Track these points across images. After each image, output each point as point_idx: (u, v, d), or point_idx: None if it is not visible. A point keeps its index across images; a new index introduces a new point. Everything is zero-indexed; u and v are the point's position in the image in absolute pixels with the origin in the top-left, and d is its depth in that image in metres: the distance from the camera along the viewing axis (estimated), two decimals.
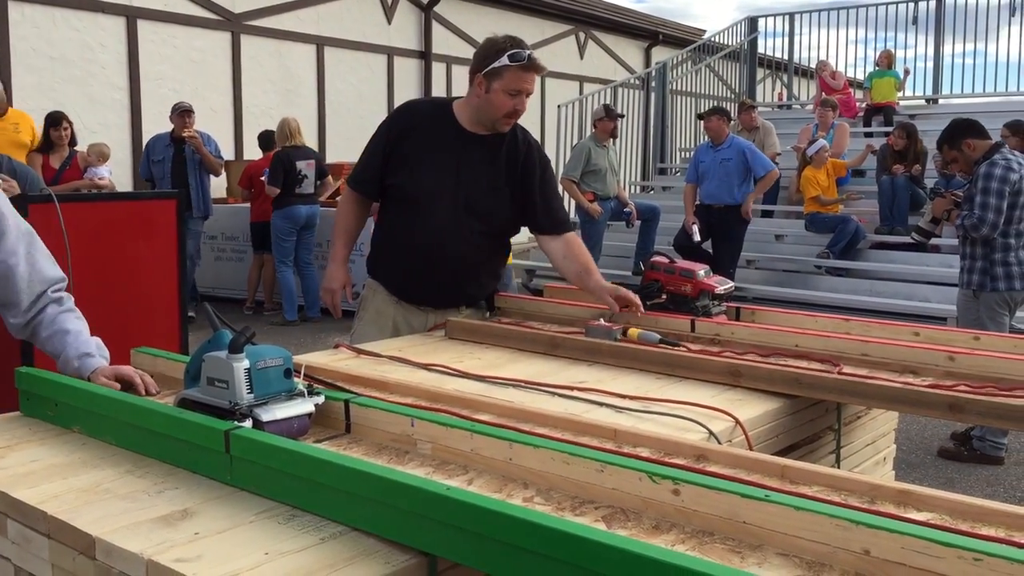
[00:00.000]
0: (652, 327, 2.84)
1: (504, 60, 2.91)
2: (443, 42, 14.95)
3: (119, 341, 2.61)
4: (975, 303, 4.75)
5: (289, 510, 1.52)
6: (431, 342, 2.93)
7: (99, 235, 3.41)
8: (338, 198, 3.64)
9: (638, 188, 13.13)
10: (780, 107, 15.74)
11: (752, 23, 15.26)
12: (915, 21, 13.84)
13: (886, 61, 12.76)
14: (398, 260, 3.13)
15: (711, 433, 2.02)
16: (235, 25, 11.70)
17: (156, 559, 1.32)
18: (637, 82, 14.09)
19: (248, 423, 1.69)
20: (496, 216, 3.08)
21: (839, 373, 2.34)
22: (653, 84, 13.63)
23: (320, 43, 12.72)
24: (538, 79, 3.08)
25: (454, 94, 15.70)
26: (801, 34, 15.23)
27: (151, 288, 3.63)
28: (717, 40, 14.84)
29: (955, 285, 8.33)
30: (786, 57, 15.61)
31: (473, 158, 3.04)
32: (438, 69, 14.91)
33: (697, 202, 8.17)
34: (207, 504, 1.55)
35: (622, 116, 9.61)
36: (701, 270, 2.96)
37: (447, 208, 3.01)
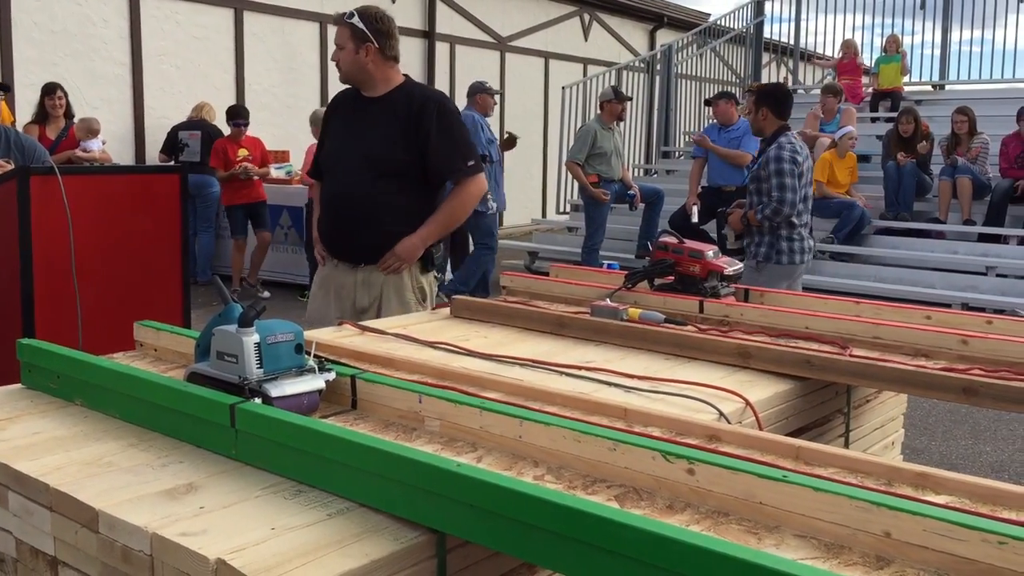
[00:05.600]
0: (660, 308, 2.81)
1: None
2: (447, 22, 14.84)
3: (121, 315, 2.60)
4: (756, 275, 4.88)
5: (295, 485, 1.49)
6: (436, 320, 2.90)
7: (101, 208, 3.38)
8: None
9: (641, 171, 13.07)
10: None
11: (759, 6, 15.14)
12: (923, 6, 13.75)
13: (894, 46, 12.68)
14: (322, 220, 3.51)
15: (721, 414, 1.99)
16: (238, 2, 11.61)
17: (161, 533, 1.29)
18: (642, 65, 14.00)
19: (258, 399, 1.67)
20: (392, 161, 3.31)
21: (850, 355, 2.32)
22: (658, 67, 13.54)
23: (323, 21, 12.60)
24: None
25: (458, 74, 15.61)
26: (808, 19, 15.14)
27: (154, 262, 3.60)
28: (722, 24, 14.73)
29: (961, 272, 8.35)
30: (791, 41, 15.54)
31: (368, 117, 3.39)
32: (442, 49, 14.81)
33: (705, 184, 8.13)
34: (212, 478, 1.52)
35: (630, 99, 9.55)
36: (710, 251, 2.92)
37: (349, 162, 3.36)
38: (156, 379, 1.76)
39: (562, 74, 17.26)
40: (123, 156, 9.98)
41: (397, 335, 2.60)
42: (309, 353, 1.81)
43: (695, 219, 7.73)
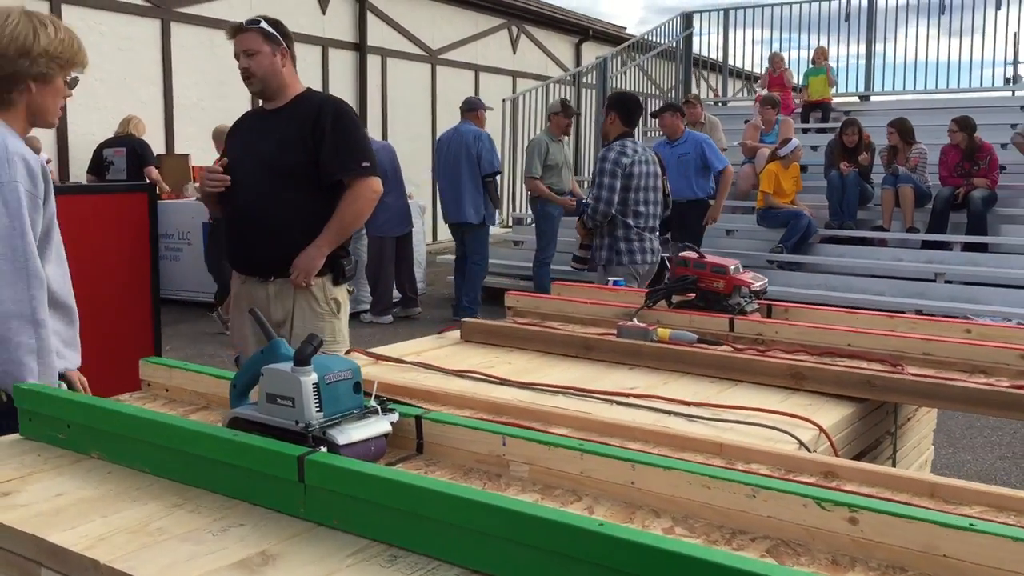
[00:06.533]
0: (686, 326, 2.68)
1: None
2: (378, 34, 14.61)
3: (87, 338, 2.35)
4: (603, 278, 4.99)
5: (387, 549, 1.30)
6: (448, 345, 2.71)
7: (69, 230, 3.10)
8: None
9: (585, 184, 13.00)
10: (715, 103, 15.80)
11: (687, 19, 15.27)
12: (847, 19, 14.03)
13: (821, 58, 12.89)
14: (227, 236, 3.47)
15: (801, 443, 1.86)
16: (165, 12, 11.21)
17: None
18: (570, 79, 13.97)
19: (323, 448, 1.46)
20: (287, 164, 3.26)
21: (912, 375, 2.21)
22: (587, 80, 13.49)
23: None
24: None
25: (390, 88, 15.35)
26: (735, 33, 15.32)
27: (121, 284, 3.34)
28: (649, 39, 14.76)
29: (911, 279, 8.46)
30: (712, 56, 15.69)
31: (269, 128, 3.36)
32: (373, 62, 14.57)
33: None
34: (287, 544, 1.32)
35: (578, 113, 9.46)
36: (732, 265, 2.80)
37: (249, 174, 3.31)
38: (200, 428, 1.54)
39: (492, 87, 17.18)
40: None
41: (418, 364, 2.41)
42: (369, 394, 1.61)
43: None
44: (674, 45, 14.93)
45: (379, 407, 1.59)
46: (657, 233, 5.25)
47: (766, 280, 2.81)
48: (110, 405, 1.69)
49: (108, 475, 1.58)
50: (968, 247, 8.63)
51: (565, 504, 1.41)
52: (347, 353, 2.58)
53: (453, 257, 8.96)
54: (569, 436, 1.69)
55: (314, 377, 1.52)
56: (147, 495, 1.50)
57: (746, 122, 12.01)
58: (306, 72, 13.25)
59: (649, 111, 9.83)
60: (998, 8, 12.86)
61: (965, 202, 8.61)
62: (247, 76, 3.35)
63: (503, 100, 11.46)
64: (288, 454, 1.41)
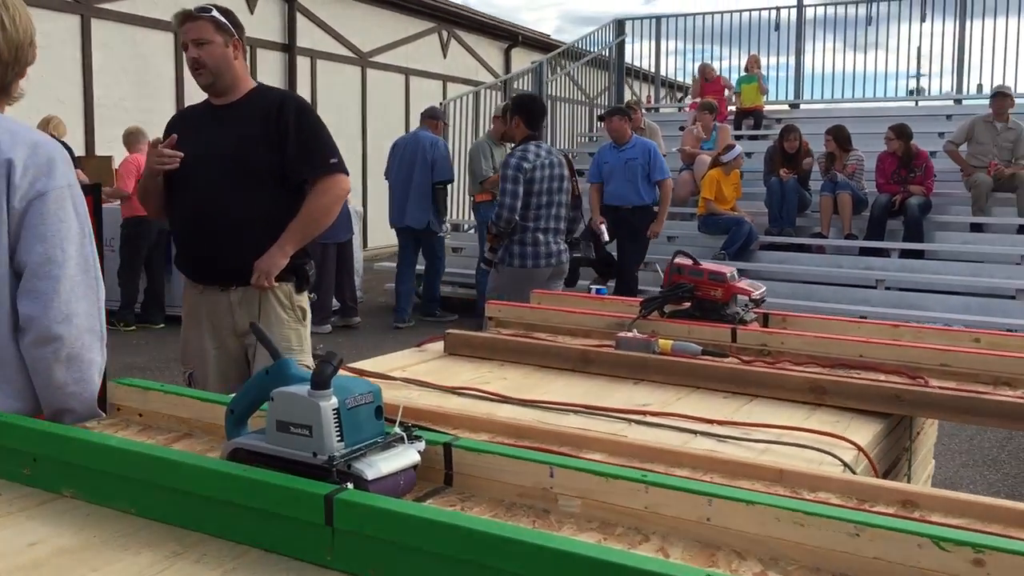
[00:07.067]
0: (685, 337, 2.54)
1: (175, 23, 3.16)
2: (308, 35, 14.28)
3: None
4: (498, 277, 5.20)
5: None
6: (433, 359, 2.52)
7: None
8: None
9: None
10: (648, 110, 15.84)
11: (620, 26, 15.29)
12: (777, 28, 14.20)
13: (754, 66, 13.01)
14: (180, 241, 3.25)
15: (846, 465, 1.73)
16: (85, 8, 10.73)
17: None
18: (501, 84, 13.84)
19: (349, 484, 1.27)
20: (253, 163, 3.07)
21: (939, 388, 2.10)
22: (518, 86, 13.37)
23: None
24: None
25: (320, 90, 15.03)
26: (666, 43, 15.38)
27: None
28: (578, 47, 14.71)
29: (852, 285, 8.52)
30: (641, 65, 15.75)
31: (224, 123, 3.14)
32: (303, 63, 14.23)
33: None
34: None
35: None
36: (729, 272, 2.67)
37: (205, 173, 3.07)
38: (202, 463, 1.33)
39: (422, 91, 16.99)
40: None
41: (406, 380, 2.22)
42: (393, 420, 1.42)
43: (605, 237, 7.54)
44: (606, 53, 14.93)
45: (404, 434, 1.40)
46: (563, 236, 5.30)
47: (764, 288, 2.69)
48: (86, 435, 1.46)
49: (87, 518, 1.36)
50: (905, 254, 8.73)
51: (633, 545, 1.24)
52: None
53: (393, 264, 8.79)
54: (606, 462, 1.53)
55: (334, 402, 1.32)
56: (138, 542, 1.28)
57: (681, 129, 12.05)
58: None
59: (595, 116, 9.79)
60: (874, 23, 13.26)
61: (902, 209, 8.72)
62: (196, 67, 3.12)
63: (440, 103, 11.26)
64: (313, 492, 1.21)
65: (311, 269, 3.25)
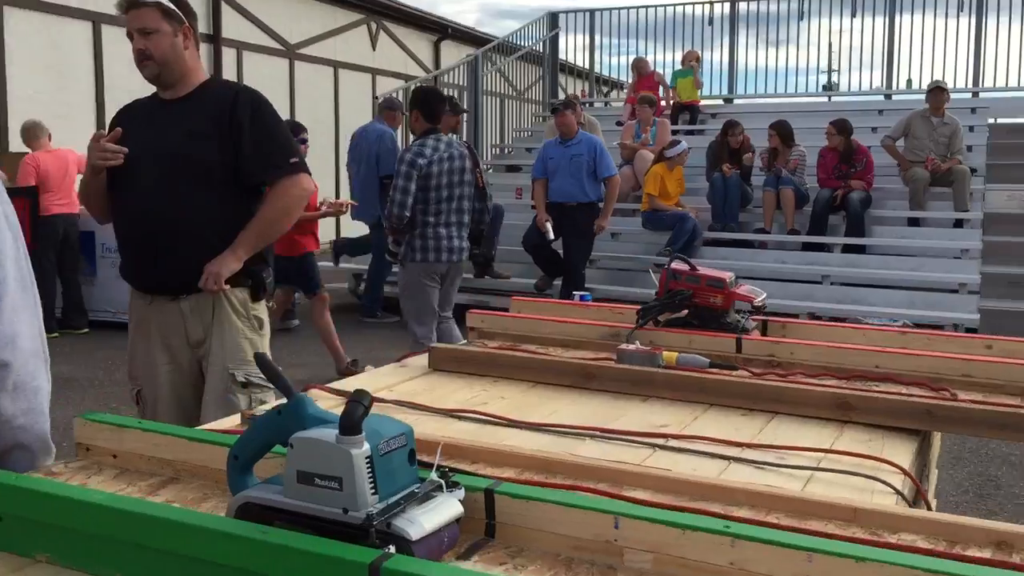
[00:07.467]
0: (686, 348, 2.39)
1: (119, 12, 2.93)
2: (234, 26, 13.84)
3: None
4: (402, 273, 5.28)
5: None
6: (418, 376, 2.33)
7: None
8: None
9: None
10: (582, 105, 15.76)
11: (553, 19, 15.17)
12: (711, 22, 14.25)
13: (691, 60, 13.01)
14: (123, 247, 3.00)
15: (898, 492, 1.59)
16: None
17: None
18: (432, 79, 13.61)
19: (389, 545, 1.08)
20: (203, 162, 2.84)
21: (969, 402, 1.98)
22: (447, 80, 13.15)
23: (97, 20, 11.33)
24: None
25: (246, 82, 14.60)
26: (600, 39, 15.31)
27: None
28: (510, 41, 14.55)
29: (791, 281, 8.52)
30: (575, 60, 15.67)
31: (172, 119, 2.92)
32: (228, 55, 13.79)
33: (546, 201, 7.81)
34: None
35: (466, 111, 9.15)
36: (728, 277, 2.53)
37: (150, 172, 2.86)
38: (206, 522, 1.12)
39: (351, 84, 16.67)
40: None
41: (398, 403, 2.02)
42: (432, 465, 1.23)
43: (551, 236, 7.40)
44: (540, 47, 14.80)
45: (442, 481, 1.22)
46: (467, 229, 5.32)
47: (765, 294, 2.56)
48: (58, 489, 1.24)
49: None
50: (847, 248, 8.78)
51: None
52: (304, 390, 2.17)
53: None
54: (653, 501, 1.37)
55: (366, 449, 1.13)
56: None
57: (618, 124, 11.98)
58: None
59: (531, 111, 9.64)
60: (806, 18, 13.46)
61: (843, 204, 8.76)
62: (142, 59, 2.88)
63: (375, 98, 10.99)
64: (354, 561, 1.02)
65: (268, 276, 3.03)
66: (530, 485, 1.32)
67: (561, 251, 7.81)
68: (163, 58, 2.86)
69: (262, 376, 2.93)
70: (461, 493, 1.22)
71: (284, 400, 1.24)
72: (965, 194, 8.87)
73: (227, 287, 2.86)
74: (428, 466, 1.24)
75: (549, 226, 7.39)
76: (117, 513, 1.16)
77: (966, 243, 8.47)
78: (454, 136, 5.49)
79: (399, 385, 2.22)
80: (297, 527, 1.14)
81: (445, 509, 1.17)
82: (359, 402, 1.14)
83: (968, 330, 7.09)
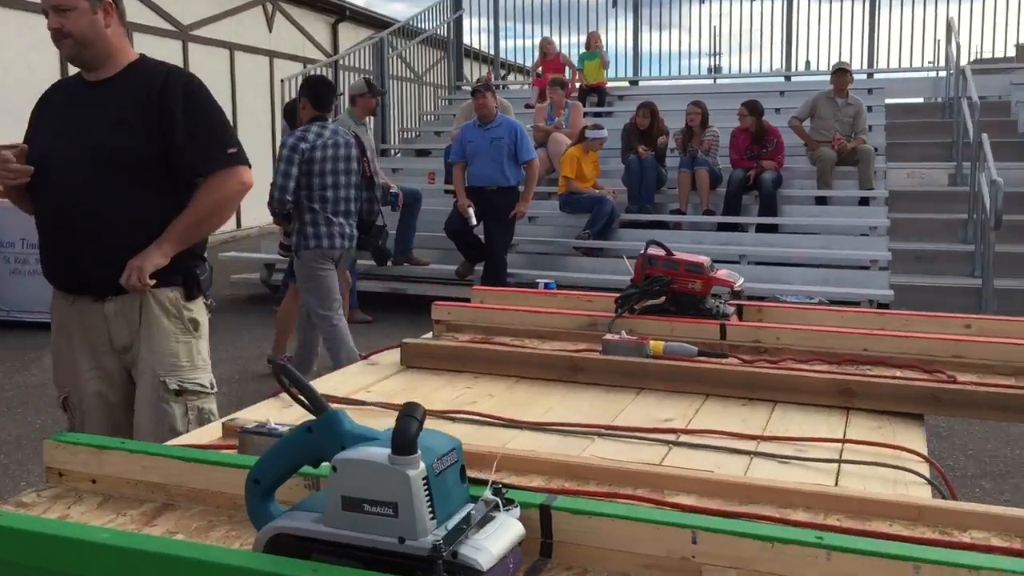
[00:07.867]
0: (667, 335, 2.31)
1: None
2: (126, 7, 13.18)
3: None
4: (298, 263, 5.29)
5: None
6: (393, 375, 2.19)
7: None
8: None
9: None
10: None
11: (456, 2, 14.96)
12: (615, 5, 14.27)
13: (595, 43, 13.00)
14: (43, 243, 2.77)
15: (930, 482, 1.54)
16: None
17: None
18: (332, 63, 13.27)
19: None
20: (129, 153, 2.63)
21: (972, 384, 1.95)
22: (344, 63, 12.83)
23: (29, 9, 10.67)
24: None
25: None
26: (506, 25, 15.19)
27: None
28: (412, 24, 14.30)
29: (717, 262, 8.58)
30: (479, 45, 15.54)
31: (95, 103, 2.71)
32: None
33: (466, 185, 7.66)
34: None
35: (384, 92, 8.89)
36: (705, 262, 2.46)
37: (70, 162, 2.66)
38: (237, 560, 0.98)
39: (248, 67, 16.16)
40: None
41: (384, 405, 1.88)
42: (485, 482, 1.11)
43: (474, 221, 7.25)
44: (443, 29, 14.59)
45: (499, 500, 1.09)
46: (354, 218, 5.34)
47: (743, 279, 2.50)
48: (47, 527, 1.07)
49: None
50: (761, 228, 8.90)
51: None
52: (274, 395, 2.00)
53: (235, 252, 8.17)
54: (697, 506, 1.28)
55: (422, 469, 1.00)
56: None
57: (527, 107, 11.89)
58: (45, 48, 11.73)
59: (437, 95, 9.46)
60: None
61: (756, 184, 8.87)
62: (59, 38, 2.64)
63: (281, 81, 10.64)
64: None
65: (203, 273, 2.80)
66: (586, 497, 1.21)
67: (483, 236, 7.69)
68: (81, 36, 2.63)
69: (198, 382, 2.73)
70: (517, 511, 1.11)
71: (311, 416, 1.10)
72: (870, 173, 9.08)
73: (154, 286, 2.65)
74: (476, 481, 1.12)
75: (471, 211, 7.25)
76: (136, 555, 1.00)
77: (874, 220, 8.68)
78: (340, 126, 5.36)
79: (375, 385, 2.08)
80: (337, 559, 1.00)
81: (506, 531, 1.05)
82: (412, 416, 1.01)
83: (881, 305, 7.26)
